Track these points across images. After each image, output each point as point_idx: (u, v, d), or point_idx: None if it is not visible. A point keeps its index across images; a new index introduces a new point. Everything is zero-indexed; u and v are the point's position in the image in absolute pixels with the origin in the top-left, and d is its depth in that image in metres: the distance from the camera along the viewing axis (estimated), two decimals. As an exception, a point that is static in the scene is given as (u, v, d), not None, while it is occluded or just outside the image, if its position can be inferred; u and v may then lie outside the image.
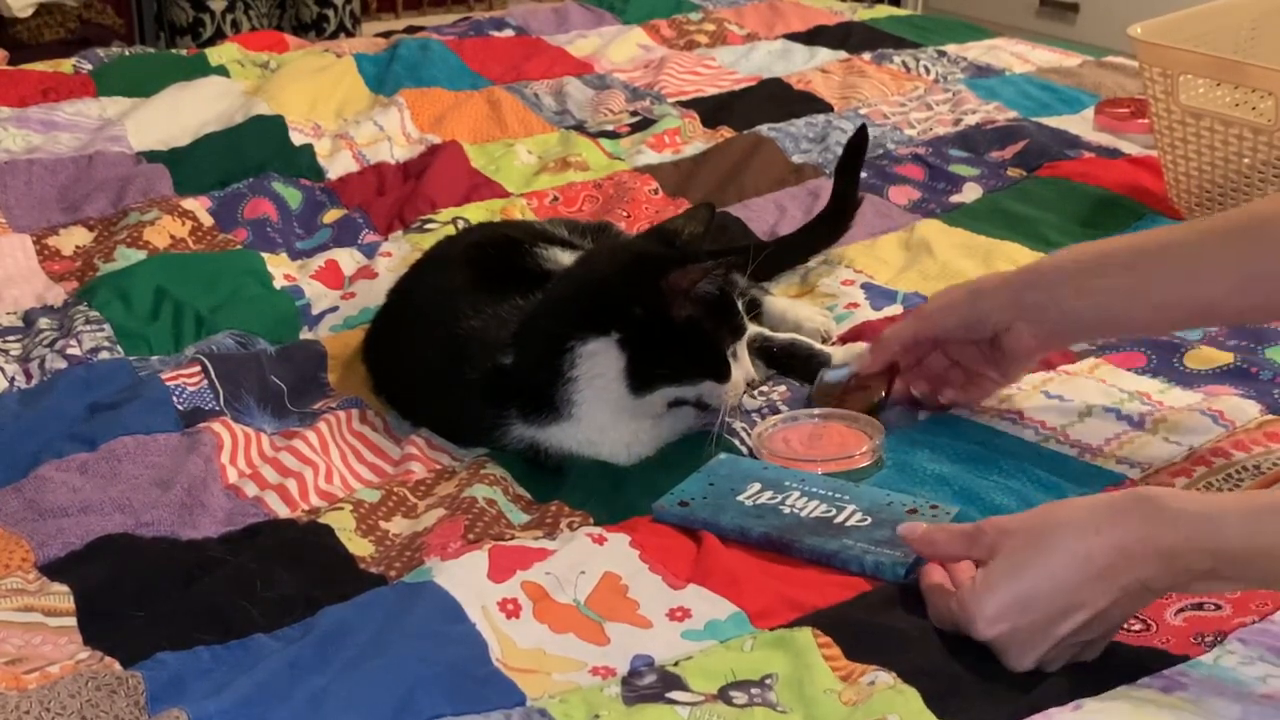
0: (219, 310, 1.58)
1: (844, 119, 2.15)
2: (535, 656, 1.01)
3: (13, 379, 1.43)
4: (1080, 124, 2.15)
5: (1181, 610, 1.06)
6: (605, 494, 1.23)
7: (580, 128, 2.15)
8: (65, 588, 1.09)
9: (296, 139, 2.06)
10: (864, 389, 1.36)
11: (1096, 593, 0.96)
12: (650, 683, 0.98)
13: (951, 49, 2.54)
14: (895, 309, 1.57)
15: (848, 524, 1.15)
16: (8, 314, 1.59)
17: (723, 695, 0.96)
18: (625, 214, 1.79)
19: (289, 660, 0.98)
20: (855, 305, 1.58)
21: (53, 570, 1.13)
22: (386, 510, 1.22)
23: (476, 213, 1.82)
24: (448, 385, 1.32)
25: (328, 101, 2.24)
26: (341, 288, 1.67)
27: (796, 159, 2.01)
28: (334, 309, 1.62)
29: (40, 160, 1.97)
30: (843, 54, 2.51)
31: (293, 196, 1.88)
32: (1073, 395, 1.38)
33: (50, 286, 1.66)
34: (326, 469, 1.29)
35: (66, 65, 2.41)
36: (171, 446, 1.30)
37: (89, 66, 2.41)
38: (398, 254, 1.70)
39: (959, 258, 1.68)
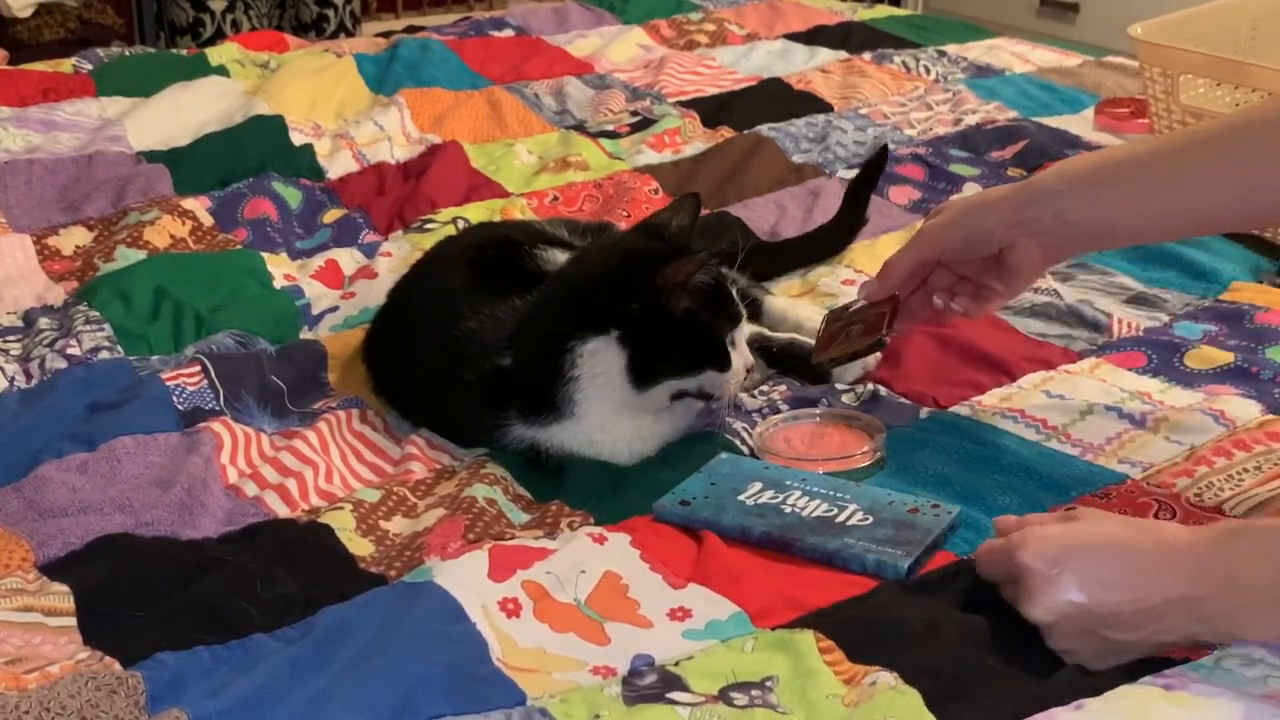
0: (219, 310, 1.58)
1: (844, 119, 2.15)
2: (536, 656, 1.01)
3: (13, 379, 1.42)
4: (1080, 124, 2.15)
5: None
6: (605, 494, 1.23)
7: (580, 128, 2.15)
8: (65, 588, 1.09)
9: (296, 139, 2.06)
10: (871, 330, 1.36)
11: (1180, 617, 0.97)
12: (651, 682, 0.98)
13: (951, 49, 2.54)
14: (895, 309, 1.57)
15: (849, 523, 1.15)
16: (8, 314, 1.59)
17: (723, 696, 0.96)
18: (625, 214, 1.79)
19: (289, 660, 0.98)
20: (855, 305, 1.58)
21: (53, 570, 1.13)
22: (386, 510, 1.22)
23: (476, 213, 1.82)
24: (447, 386, 1.32)
25: (328, 101, 2.24)
26: (341, 288, 1.67)
27: (796, 159, 2.01)
28: (334, 309, 1.62)
29: (40, 160, 1.97)
30: (843, 54, 2.51)
31: (293, 196, 1.88)
32: (1073, 394, 1.38)
33: (50, 286, 1.66)
34: (326, 469, 1.29)
35: (66, 65, 2.41)
36: (171, 446, 1.30)
37: (89, 66, 2.41)
38: (398, 254, 1.70)
39: (959, 257, 1.68)
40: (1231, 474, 1.23)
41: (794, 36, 2.63)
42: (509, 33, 2.66)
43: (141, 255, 1.70)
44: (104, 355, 1.46)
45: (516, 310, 1.31)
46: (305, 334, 1.57)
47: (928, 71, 2.41)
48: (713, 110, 2.21)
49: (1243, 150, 1.18)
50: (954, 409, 1.37)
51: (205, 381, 1.40)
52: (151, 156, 2.00)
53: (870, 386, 1.39)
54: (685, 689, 0.97)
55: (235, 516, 1.21)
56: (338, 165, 1.99)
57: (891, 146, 2.05)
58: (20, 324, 1.56)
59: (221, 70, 2.38)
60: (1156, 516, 1.17)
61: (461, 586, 1.05)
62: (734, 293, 1.30)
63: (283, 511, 1.23)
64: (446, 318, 1.33)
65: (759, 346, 1.41)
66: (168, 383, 1.39)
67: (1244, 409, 1.33)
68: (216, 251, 1.74)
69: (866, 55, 2.49)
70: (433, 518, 1.19)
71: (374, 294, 1.56)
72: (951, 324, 1.40)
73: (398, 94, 2.23)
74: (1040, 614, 0.99)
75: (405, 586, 1.07)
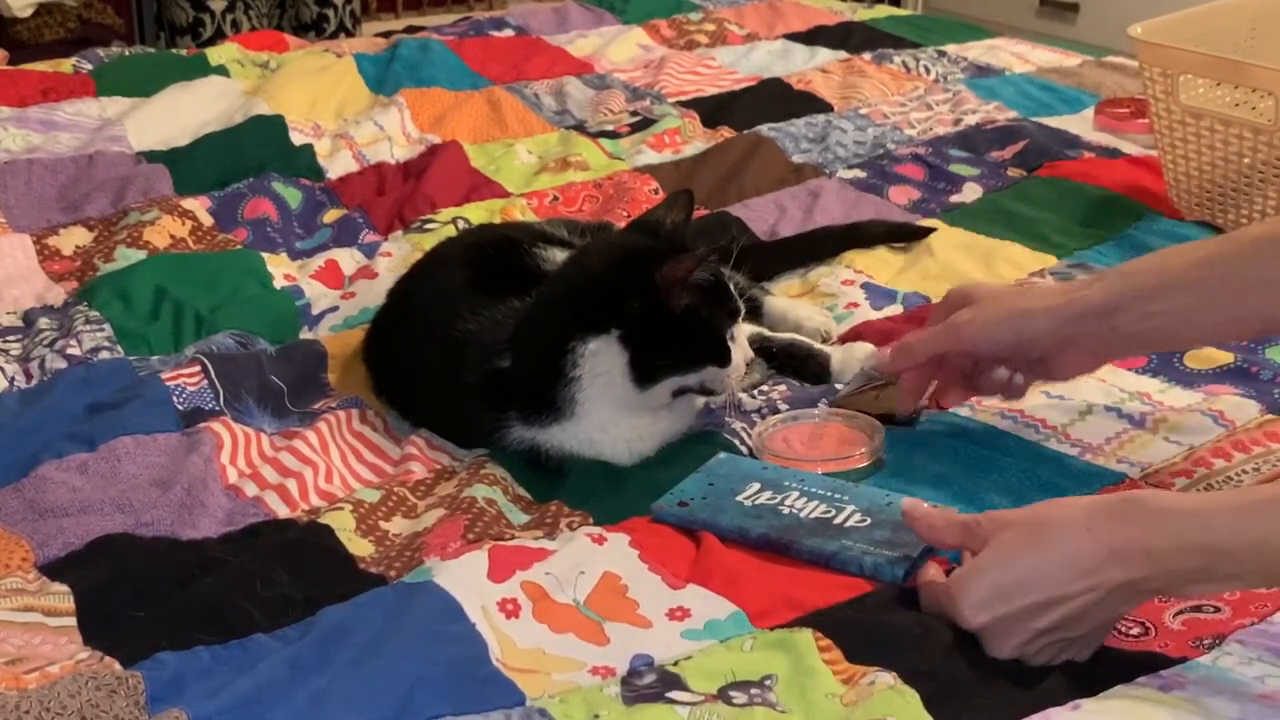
0: (219, 310, 1.58)
1: (844, 119, 2.15)
2: (535, 656, 1.01)
3: (13, 379, 1.43)
4: (1080, 124, 2.15)
5: (1180, 613, 1.07)
6: (605, 494, 1.23)
7: (580, 128, 2.15)
8: (65, 588, 1.09)
9: (296, 139, 2.06)
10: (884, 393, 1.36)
11: (1080, 590, 0.96)
12: (650, 682, 0.98)
13: (951, 49, 2.54)
14: (895, 309, 1.57)
15: (847, 525, 1.14)
16: (8, 314, 1.59)
17: (722, 695, 0.96)
18: (625, 214, 1.79)
19: (289, 660, 0.98)
20: (855, 305, 1.58)
21: (53, 570, 1.13)
22: (386, 510, 1.22)
23: (476, 213, 1.82)
24: (447, 387, 1.32)
25: (328, 101, 2.24)
26: (341, 288, 1.67)
27: (796, 159, 2.01)
28: (334, 309, 1.62)
29: (40, 160, 1.97)
30: (843, 54, 2.51)
31: (293, 196, 1.88)
32: (1073, 395, 1.38)
33: (50, 286, 1.66)
34: (326, 469, 1.29)
35: (66, 65, 2.41)
36: (171, 446, 1.30)
37: (89, 66, 2.41)
38: (398, 254, 1.70)
39: (959, 258, 1.68)
40: (1230, 475, 1.23)
41: (794, 36, 2.63)
42: (509, 33, 2.67)
43: (141, 255, 1.70)
44: (104, 355, 1.46)
45: (516, 311, 1.31)
46: (305, 334, 1.58)
47: (928, 71, 2.41)
48: (713, 110, 2.21)
49: None
50: (954, 409, 1.37)
51: (205, 381, 1.40)
52: (151, 156, 2.00)
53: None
54: (684, 688, 0.97)
55: (235, 516, 1.21)
56: (338, 165, 1.99)
57: (891, 146, 2.05)
58: (20, 324, 1.56)
59: (221, 70, 2.38)
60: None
61: (461, 587, 1.05)
62: (733, 288, 1.30)
63: (283, 512, 1.23)
64: (446, 318, 1.33)
65: (759, 346, 1.41)
66: (168, 383, 1.39)
67: (1244, 409, 1.33)
68: (216, 251, 1.74)
69: (866, 55, 2.49)
70: (432, 518, 1.19)
71: (374, 294, 1.56)
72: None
73: (398, 94, 2.23)
74: (969, 613, 1.00)
75: (405, 587, 1.07)
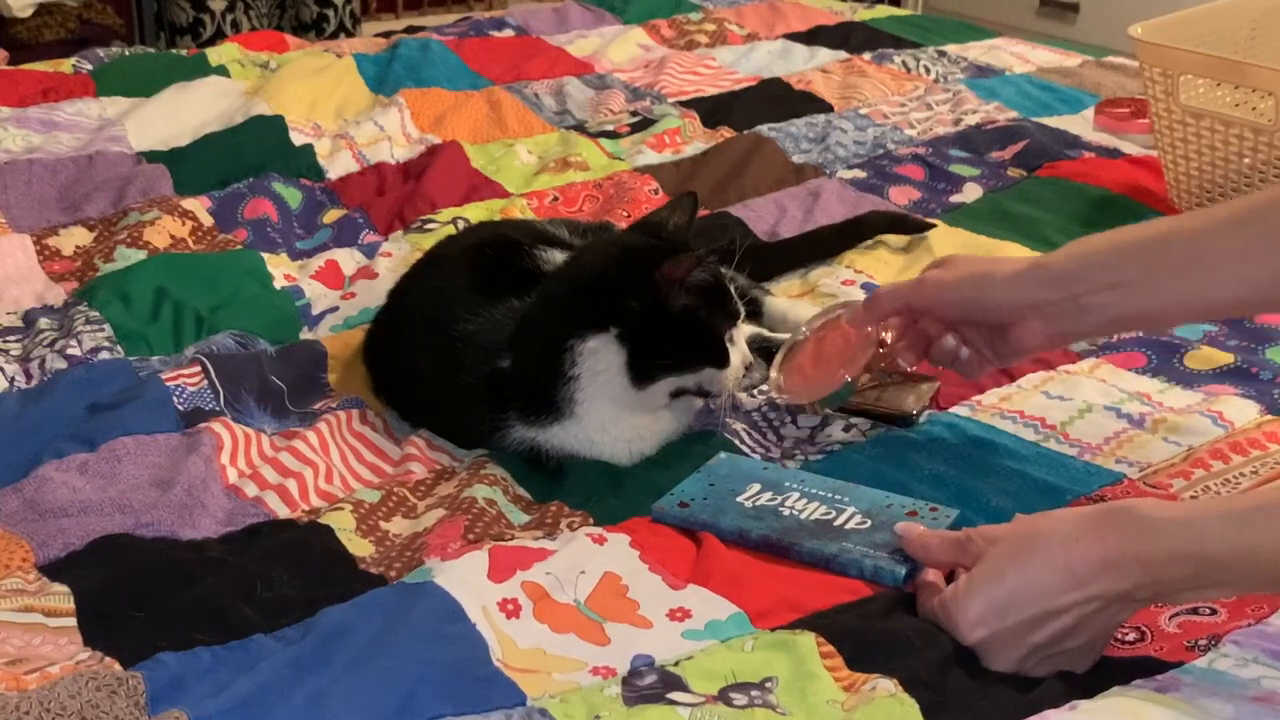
0: (219, 310, 1.58)
1: (844, 119, 2.15)
2: (535, 656, 1.01)
3: (13, 379, 1.42)
4: (1080, 124, 2.15)
5: (1176, 616, 1.07)
6: (605, 494, 1.23)
7: (580, 128, 2.15)
8: (65, 588, 1.09)
9: (296, 139, 2.06)
10: (908, 383, 1.37)
11: (1073, 602, 0.96)
12: (651, 683, 0.98)
13: (951, 49, 2.54)
14: (895, 309, 1.57)
15: (847, 527, 1.14)
16: (8, 314, 1.59)
17: (723, 696, 0.96)
18: (625, 214, 1.79)
19: (289, 660, 0.98)
20: (855, 305, 1.58)
21: (53, 570, 1.12)
22: (386, 510, 1.22)
23: (476, 213, 1.82)
24: (447, 387, 1.32)
25: (328, 101, 2.24)
26: (341, 288, 1.67)
27: (796, 159, 2.01)
28: (334, 309, 1.62)
29: (40, 160, 1.97)
30: (843, 54, 2.51)
31: (293, 196, 1.88)
32: (1072, 395, 1.38)
33: (50, 286, 1.66)
34: (326, 469, 1.29)
35: (66, 65, 2.41)
36: (171, 447, 1.30)
37: (89, 66, 2.41)
38: (398, 254, 1.70)
39: (959, 258, 1.68)
40: (1228, 478, 1.23)
41: (794, 36, 2.64)
42: (509, 33, 2.67)
43: (141, 255, 1.70)
44: (104, 355, 1.46)
45: (516, 311, 1.31)
46: (305, 334, 1.57)
47: (928, 71, 2.41)
48: (713, 110, 2.21)
49: (1266, 229, 1.11)
50: (953, 409, 1.37)
51: (205, 382, 1.40)
52: (151, 156, 2.00)
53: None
54: (685, 689, 0.97)
55: (235, 517, 1.21)
56: (338, 165, 1.99)
57: (892, 146, 2.05)
58: (20, 324, 1.56)
59: (221, 70, 2.38)
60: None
61: (461, 587, 1.05)
62: (732, 290, 1.30)
63: (283, 512, 1.23)
64: (446, 319, 1.33)
65: (759, 347, 1.41)
66: (168, 383, 1.39)
67: (1243, 410, 1.33)
68: (216, 252, 1.74)
69: (866, 55, 2.49)
70: (433, 518, 1.19)
71: (374, 294, 1.56)
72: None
73: (398, 94, 2.23)
74: (965, 631, 1.00)
75: (405, 587, 1.07)
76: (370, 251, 1.74)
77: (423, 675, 0.96)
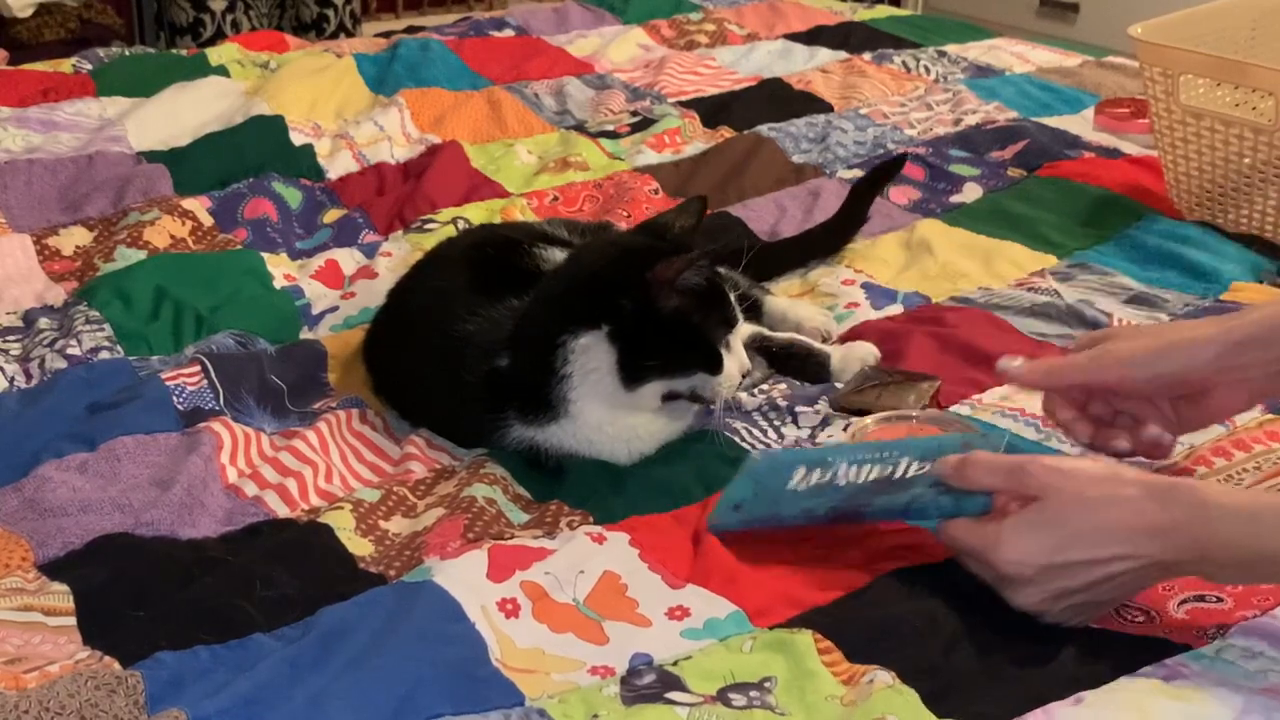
0: (219, 310, 1.58)
1: (844, 119, 2.15)
2: (534, 656, 1.01)
3: (13, 379, 1.43)
4: (1080, 124, 2.15)
5: (1184, 602, 1.07)
6: (604, 493, 1.23)
7: (580, 128, 2.15)
8: (65, 587, 1.09)
9: (296, 139, 2.07)
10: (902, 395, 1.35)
11: (1119, 555, 0.99)
12: (649, 682, 0.98)
13: (951, 49, 2.54)
14: (896, 309, 1.57)
15: (909, 476, 1.11)
16: (8, 314, 1.59)
17: (721, 697, 0.96)
18: (625, 214, 1.79)
19: (289, 660, 0.98)
20: (855, 305, 1.58)
21: (52, 570, 1.13)
22: (386, 510, 1.22)
23: (476, 213, 1.82)
24: (447, 387, 1.32)
25: (328, 101, 2.24)
26: (341, 288, 1.67)
27: (796, 159, 2.01)
28: (334, 309, 1.62)
29: (40, 160, 1.97)
30: (843, 54, 2.51)
31: (293, 196, 1.88)
32: (1073, 395, 1.37)
33: (50, 286, 1.66)
34: (326, 469, 1.29)
35: (66, 65, 2.41)
36: (171, 446, 1.30)
37: (89, 66, 2.41)
38: (398, 254, 1.70)
39: (959, 258, 1.69)
40: (1231, 474, 1.23)
41: (794, 36, 2.64)
42: (509, 33, 2.67)
43: (141, 255, 1.70)
44: (104, 355, 1.46)
45: (515, 311, 1.31)
46: (305, 334, 1.57)
47: (928, 71, 2.41)
48: (713, 110, 2.21)
49: None
50: (954, 408, 1.37)
51: (205, 381, 1.40)
52: (151, 156, 2.00)
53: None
54: (684, 689, 0.97)
55: (235, 516, 1.21)
56: (338, 165, 1.99)
57: (892, 146, 2.05)
58: (20, 324, 1.56)
59: (221, 70, 2.38)
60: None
61: (461, 586, 1.05)
62: (731, 296, 1.30)
63: (282, 511, 1.23)
64: (446, 318, 1.33)
65: (759, 346, 1.41)
66: (168, 383, 1.39)
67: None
68: (216, 251, 1.74)
69: (866, 55, 2.49)
70: (432, 517, 1.19)
71: (374, 294, 1.56)
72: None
73: (398, 94, 2.23)
74: (1008, 556, 1.02)
75: (405, 586, 1.07)
76: (370, 251, 1.74)
77: (422, 675, 0.96)
